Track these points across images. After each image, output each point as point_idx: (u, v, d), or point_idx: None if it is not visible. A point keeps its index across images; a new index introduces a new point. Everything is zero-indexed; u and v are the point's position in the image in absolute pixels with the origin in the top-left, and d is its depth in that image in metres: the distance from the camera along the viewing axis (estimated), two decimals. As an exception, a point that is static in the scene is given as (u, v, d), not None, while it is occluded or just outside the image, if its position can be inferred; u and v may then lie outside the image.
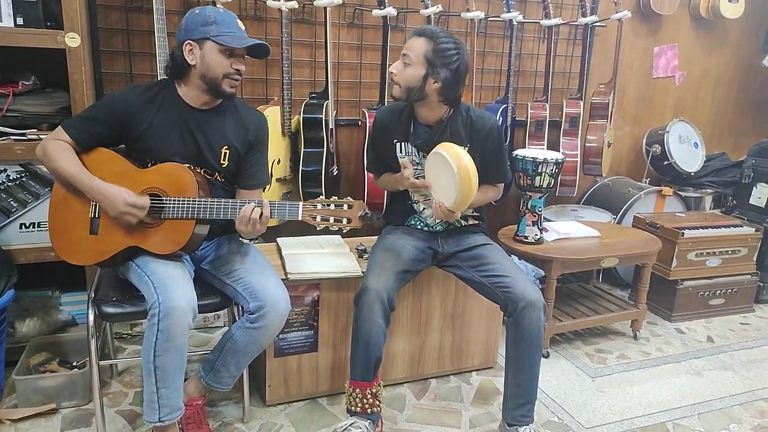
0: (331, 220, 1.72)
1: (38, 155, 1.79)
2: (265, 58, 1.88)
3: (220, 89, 1.79)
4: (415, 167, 2.08)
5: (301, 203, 1.72)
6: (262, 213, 1.72)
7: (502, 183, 2.24)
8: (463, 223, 2.22)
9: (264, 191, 2.49)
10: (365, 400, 1.94)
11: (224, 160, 1.88)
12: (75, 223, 1.78)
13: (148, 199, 1.73)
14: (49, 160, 1.75)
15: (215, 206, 1.73)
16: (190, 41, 1.75)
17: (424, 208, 2.18)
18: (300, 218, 1.72)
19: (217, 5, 2.36)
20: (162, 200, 1.74)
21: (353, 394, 1.96)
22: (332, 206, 1.72)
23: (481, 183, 1.96)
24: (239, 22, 1.82)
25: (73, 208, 1.79)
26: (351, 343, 1.97)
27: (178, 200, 1.73)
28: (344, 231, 1.74)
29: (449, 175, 1.85)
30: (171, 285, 1.67)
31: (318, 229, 1.75)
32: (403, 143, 2.10)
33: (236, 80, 1.81)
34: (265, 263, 1.96)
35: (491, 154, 2.11)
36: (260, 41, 1.80)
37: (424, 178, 2.03)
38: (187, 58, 1.76)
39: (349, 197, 1.75)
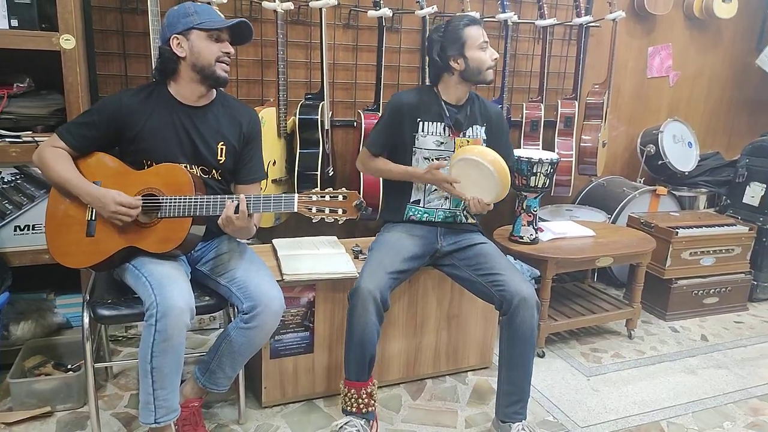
0: (327, 211, 1.72)
1: (34, 162, 1.81)
2: (249, 41, 1.90)
3: (215, 75, 1.81)
4: (440, 145, 2.18)
5: (296, 195, 1.72)
6: (238, 207, 1.71)
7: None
8: (462, 219, 2.24)
9: (262, 190, 2.50)
10: (360, 400, 1.95)
11: (221, 156, 1.90)
12: (71, 226, 1.79)
13: (140, 199, 1.74)
14: (44, 166, 1.77)
15: (211, 203, 1.74)
16: (176, 35, 1.78)
17: (435, 189, 2.20)
18: (295, 210, 1.72)
19: (213, 6, 2.36)
20: (158, 199, 1.75)
21: (348, 394, 1.97)
22: (327, 197, 1.72)
23: None
24: (219, 13, 1.87)
25: (70, 212, 1.79)
26: (345, 343, 1.99)
27: (174, 199, 1.74)
28: (340, 222, 1.73)
29: (486, 176, 1.97)
30: (168, 285, 1.67)
31: (314, 220, 1.75)
32: (428, 123, 2.17)
33: (227, 63, 1.83)
34: (260, 263, 1.96)
35: (502, 135, 2.28)
36: (241, 19, 1.83)
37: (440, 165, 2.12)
38: (176, 51, 1.79)
39: (343, 188, 1.76)
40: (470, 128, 2.20)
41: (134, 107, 1.81)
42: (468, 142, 2.18)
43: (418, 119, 2.16)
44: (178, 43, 1.78)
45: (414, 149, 2.18)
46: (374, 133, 2.24)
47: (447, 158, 2.16)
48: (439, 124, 2.17)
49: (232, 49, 1.84)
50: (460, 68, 2.11)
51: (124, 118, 1.80)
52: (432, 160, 2.17)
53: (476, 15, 2.97)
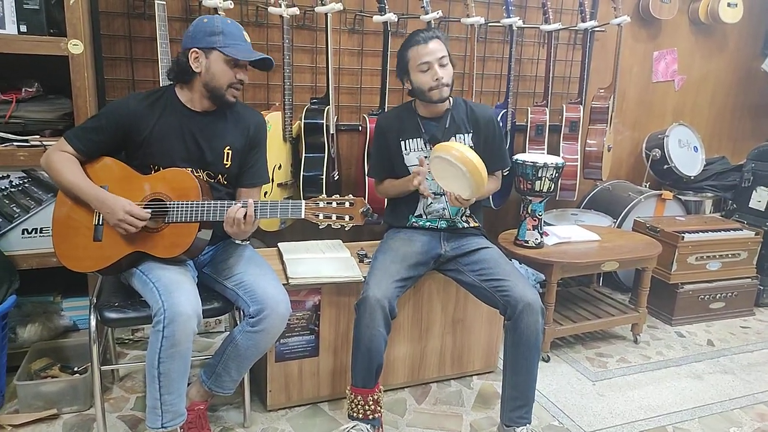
0: (334, 217, 1.73)
1: (42, 166, 1.83)
2: (269, 70, 1.91)
3: (224, 99, 1.82)
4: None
5: (303, 201, 1.73)
6: (246, 213, 1.73)
7: (500, 170, 2.34)
8: (464, 225, 2.24)
9: (265, 196, 2.51)
10: (367, 407, 1.95)
11: (227, 160, 1.91)
12: (79, 230, 1.80)
13: (149, 212, 1.75)
14: (52, 171, 1.79)
15: (218, 208, 1.75)
16: (196, 49, 1.78)
17: (431, 202, 2.22)
18: (303, 216, 1.73)
19: (219, 12, 2.38)
20: (165, 204, 1.76)
21: (355, 400, 1.97)
22: (334, 204, 1.73)
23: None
24: (245, 33, 1.84)
25: (77, 216, 1.80)
26: (352, 350, 1.98)
27: (181, 204, 1.75)
28: (347, 228, 1.75)
29: (458, 174, 1.93)
30: (176, 291, 1.68)
31: (320, 227, 1.76)
32: (409, 140, 2.18)
33: (238, 90, 1.85)
34: (266, 267, 1.97)
35: (492, 140, 2.23)
36: (266, 56, 1.83)
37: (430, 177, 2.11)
38: (192, 65, 1.79)
39: (350, 195, 1.77)
40: (453, 138, 2.18)
41: (142, 112, 1.82)
42: None
43: (400, 139, 2.19)
44: (196, 58, 1.78)
45: (408, 168, 2.20)
46: (372, 162, 2.30)
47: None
48: (418, 139, 2.18)
49: (246, 77, 1.84)
50: (409, 88, 2.14)
51: (131, 123, 1.81)
52: None
53: (481, 20, 2.99)
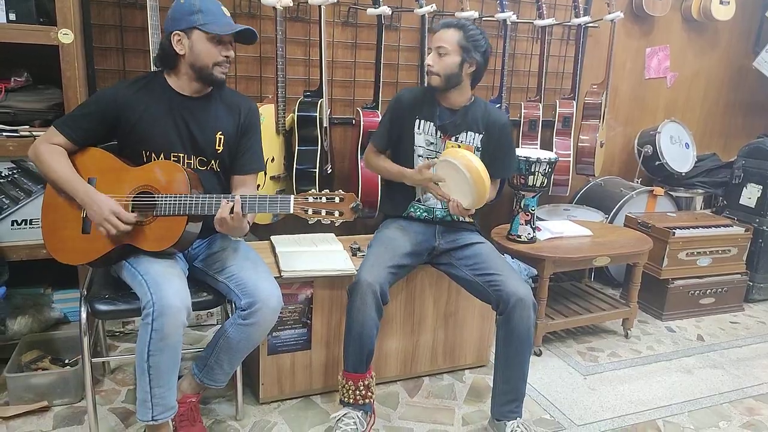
0: (323, 212, 1.71)
1: (30, 157, 1.80)
2: (252, 43, 1.89)
3: (212, 77, 1.81)
4: (430, 145, 2.19)
5: (292, 196, 1.72)
6: (233, 209, 1.70)
7: (501, 179, 2.34)
8: (460, 218, 2.24)
9: (258, 189, 2.49)
10: (358, 392, 1.97)
11: (219, 145, 1.89)
12: (67, 223, 1.78)
13: (134, 216, 1.72)
14: (41, 163, 1.76)
15: (206, 202, 1.73)
16: (178, 32, 1.77)
17: (427, 194, 2.21)
18: (291, 211, 1.71)
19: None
20: (153, 197, 1.74)
21: (346, 385, 1.98)
22: (324, 199, 1.71)
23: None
24: (224, 9, 1.83)
25: (66, 209, 1.78)
26: (344, 335, 1.99)
27: (169, 197, 1.73)
28: (337, 224, 1.73)
29: (463, 181, 1.94)
30: (164, 284, 1.67)
31: (310, 222, 1.75)
32: (422, 121, 2.18)
33: (226, 67, 1.83)
34: (257, 260, 1.96)
35: (502, 147, 2.23)
36: (247, 27, 1.81)
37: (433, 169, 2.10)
38: (175, 48, 1.78)
39: (340, 190, 1.75)
40: (464, 134, 2.18)
41: (131, 97, 1.81)
42: (459, 146, 2.18)
43: (416, 116, 2.18)
44: (179, 40, 1.77)
45: (414, 147, 2.19)
46: (378, 129, 2.28)
47: (436, 158, 2.16)
48: (431, 124, 2.18)
49: (232, 53, 1.83)
50: None
51: (120, 109, 1.79)
52: (425, 158, 2.18)
53: (475, 14, 2.99)
